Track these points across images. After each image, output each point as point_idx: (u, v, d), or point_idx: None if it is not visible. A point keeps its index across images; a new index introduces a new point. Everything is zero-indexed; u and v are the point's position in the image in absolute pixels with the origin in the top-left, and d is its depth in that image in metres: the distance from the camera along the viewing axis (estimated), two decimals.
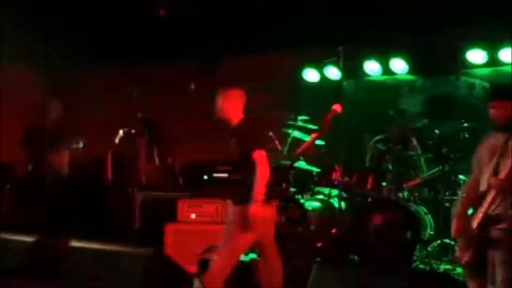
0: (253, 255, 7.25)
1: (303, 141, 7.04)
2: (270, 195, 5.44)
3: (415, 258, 6.54)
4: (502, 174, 4.72)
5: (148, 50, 9.43)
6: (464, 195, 5.15)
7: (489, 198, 4.77)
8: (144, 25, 8.47)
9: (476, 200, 4.99)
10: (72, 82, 11.07)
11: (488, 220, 4.76)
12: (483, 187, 4.89)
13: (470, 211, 5.00)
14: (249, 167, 5.39)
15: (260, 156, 5.39)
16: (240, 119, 5.64)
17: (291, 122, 7.49)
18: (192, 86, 6.61)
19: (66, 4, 7.98)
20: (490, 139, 5.07)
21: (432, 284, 3.62)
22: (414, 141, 7.15)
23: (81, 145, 7.13)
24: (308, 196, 7.46)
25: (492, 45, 7.79)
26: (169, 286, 4.35)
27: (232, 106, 5.66)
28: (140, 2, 8.05)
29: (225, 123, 5.58)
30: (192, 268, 6.65)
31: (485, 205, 4.78)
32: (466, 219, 4.93)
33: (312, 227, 7.03)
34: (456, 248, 4.99)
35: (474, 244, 4.82)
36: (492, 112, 4.97)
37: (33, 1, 7.93)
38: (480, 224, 4.77)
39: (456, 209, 5.11)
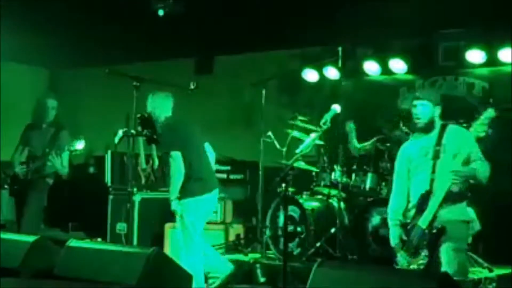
0: (253, 255, 7.27)
1: (303, 141, 7.04)
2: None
3: None
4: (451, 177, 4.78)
5: (148, 49, 9.44)
6: (395, 202, 5.16)
7: (439, 195, 4.82)
8: (143, 24, 8.46)
9: (408, 205, 5.04)
10: (71, 81, 11.09)
11: (438, 218, 4.83)
12: (423, 188, 4.92)
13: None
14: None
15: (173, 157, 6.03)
16: (165, 118, 6.28)
17: (290, 122, 7.49)
18: (192, 86, 6.59)
19: (65, 3, 7.97)
20: (417, 141, 5.12)
21: (432, 284, 3.61)
22: None
23: (81, 141, 7.10)
24: (307, 196, 7.47)
25: (491, 45, 7.80)
26: (168, 286, 4.34)
27: (159, 106, 6.29)
28: (139, 1, 8.03)
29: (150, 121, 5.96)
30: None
31: (434, 204, 4.82)
32: (406, 225, 4.98)
33: (311, 227, 7.03)
34: (401, 256, 4.97)
35: (426, 243, 4.84)
36: (412, 112, 5.05)
37: (33, 0, 7.93)
38: (430, 223, 4.81)
39: (393, 217, 5.13)
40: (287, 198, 6.86)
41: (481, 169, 4.91)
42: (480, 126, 4.76)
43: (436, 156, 4.94)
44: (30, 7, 7.95)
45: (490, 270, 6.46)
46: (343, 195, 7.34)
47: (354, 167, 7.40)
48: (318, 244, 7.00)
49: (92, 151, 9.76)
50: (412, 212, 4.99)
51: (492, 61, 7.85)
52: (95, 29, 8.64)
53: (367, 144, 7.47)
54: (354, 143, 7.56)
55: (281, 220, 7.17)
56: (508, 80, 7.60)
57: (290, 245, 7.04)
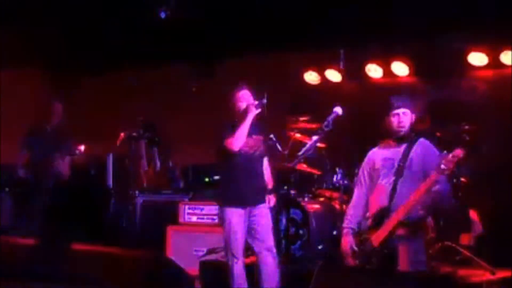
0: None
1: (304, 144, 7.04)
2: None
3: None
4: (411, 199, 4.72)
5: (149, 53, 9.43)
6: (352, 210, 5.14)
7: (395, 218, 4.76)
8: (145, 27, 8.47)
9: (366, 214, 5.03)
10: (74, 84, 11.09)
11: (392, 238, 4.77)
12: (382, 203, 4.88)
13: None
14: None
15: None
16: None
17: (292, 125, 7.49)
18: (193, 89, 6.62)
19: (67, 7, 7.98)
20: (384, 150, 5.09)
21: (434, 286, 3.62)
22: None
23: (81, 149, 7.12)
24: (310, 198, 7.46)
25: (493, 48, 7.80)
26: None
27: None
28: (141, 5, 8.05)
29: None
30: (193, 271, 6.66)
31: (390, 223, 4.77)
32: (360, 236, 4.95)
33: (313, 230, 7.02)
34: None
35: (374, 260, 4.80)
36: (393, 121, 5.00)
37: (35, 3, 7.94)
38: (383, 242, 4.77)
39: (346, 225, 5.11)
40: (289, 201, 6.86)
41: (442, 192, 4.85)
42: (448, 162, 4.64)
43: (400, 173, 4.90)
44: (32, 9, 7.96)
45: (493, 273, 6.44)
46: (345, 197, 7.33)
47: (356, 169, 7.38)
48: (320, 247, 6.99)
49: (94, 153, 9.76)
50: (368, 223, 4.95)
51: (494, 63, 7.85)
52: (98, 33, 8.65)
53: None
54: None
55: (283, 223, 7.16)
56: (510, 82, 7.60)
57: (292, 247, 7.04)
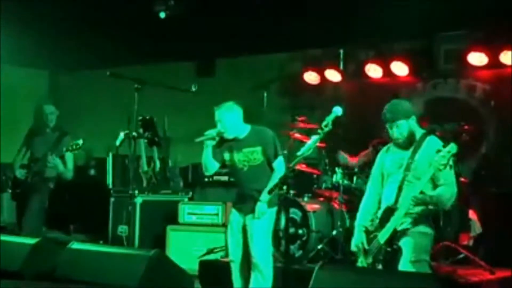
0: None
1: (304, 143, 7.03)
2: None
3: None
4: (414, 197, 4.71)
5: (148, 51, 9.44)
6: (364, 208, 5.12)
7: (399, 214, 4.76)
8: (144, 25, 8.47)
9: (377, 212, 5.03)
10: (72, 84, 11.10)
11: (396, 236, 4.77)
12: (389, 201, 4.90)
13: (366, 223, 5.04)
14: None
15: None
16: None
17: (291, 124, 7.49)
18: (193, 88, 6.60)
19: (65, 6, 7.98)
20: (394, 149, 5.09)
21: (433, 286, 3.62)
22: None
23: (79, 140, 7.07)
24: (309, 198, 7.46)
25: (492, 48, 7.80)
26: None
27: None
28: (139, 3, 8.05)
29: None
30: (193, 271, 6.67)
31: (394, 222, 4.76)
32: (369, 233, 4.95)
33: (312, 230, 7.03)
34: (361, 263, 4.93)
35: (382, 258, 4.80)
36: (392, 131, 4.96)
37: (33, 3, 7.94)
38: (389, 239, 4.77)
39: (359, 222, 5.10)
40: (289, 201, 6.86)
41: (446, 195, 4.80)
42: (441, 158, 4.58)
43: (407, 169, 4.89)
44: (30, 9, 7.96)
45: (492, 272, 6.45)
46: (345, 197, 7.33)
47: (356, 169, 7.39)
48: (319, 247, 7.00)
49: (93, 153, 9.76)
50: (378, 221, 4.96)
51: (493, 63, 7.86)
52: (96, 31, 8.64)
53: (365, 154, 7.44)
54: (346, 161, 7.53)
55: (282, 223, 7.16)
56: (510, 82, 7.61)
57: (292, 247, 7.04)
